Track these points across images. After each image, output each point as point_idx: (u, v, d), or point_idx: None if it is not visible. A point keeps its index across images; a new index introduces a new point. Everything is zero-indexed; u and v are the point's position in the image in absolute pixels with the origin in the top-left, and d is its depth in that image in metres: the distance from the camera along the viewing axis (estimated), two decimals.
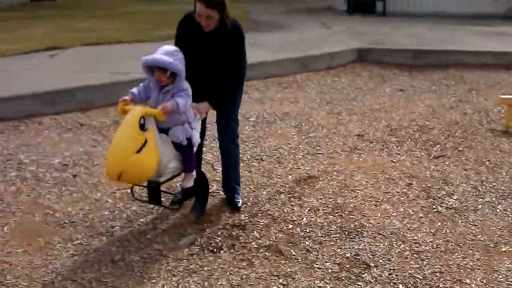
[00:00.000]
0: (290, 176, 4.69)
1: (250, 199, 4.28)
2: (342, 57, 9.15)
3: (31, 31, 11.84)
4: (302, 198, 4.29)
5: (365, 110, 6.63)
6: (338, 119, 6.28)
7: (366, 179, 4.64)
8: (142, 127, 3.33)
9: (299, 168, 4.87)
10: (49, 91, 6.61)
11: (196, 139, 3.73)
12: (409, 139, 5.64)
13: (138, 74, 7.00)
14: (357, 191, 4.42)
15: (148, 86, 3.62)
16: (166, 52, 3.51)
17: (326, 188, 4.47)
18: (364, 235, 3.75)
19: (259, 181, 4.60)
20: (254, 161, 5.04)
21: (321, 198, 4.28)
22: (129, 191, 4.17)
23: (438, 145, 5.47)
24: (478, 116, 6.37)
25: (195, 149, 3.75)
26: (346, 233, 3.77)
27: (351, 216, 4.01)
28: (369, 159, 5.10)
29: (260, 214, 4.04)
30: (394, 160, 5.09)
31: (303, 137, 5.66)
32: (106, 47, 9.73)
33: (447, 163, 5.01)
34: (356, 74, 8.56)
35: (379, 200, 4.26)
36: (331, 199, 4.26)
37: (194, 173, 3.78)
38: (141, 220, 4.00)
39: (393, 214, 4.06)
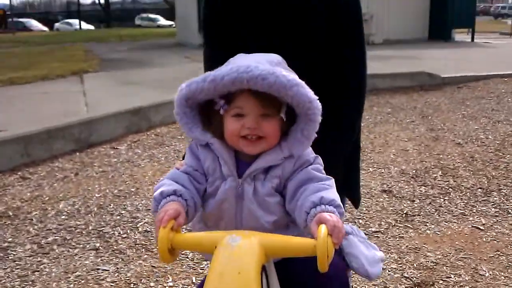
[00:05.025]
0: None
1: None
2: None
3: None
4: None
5: None
6: None
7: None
8: None
9: (384, 269, 2.62)
10: None
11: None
12: (450, 188, 3.74)
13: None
14: None
15: (197, 171, 1.20)
16: (271, 61, 1.15)
17: None
18: None
19: None
20: None
21: None
22: None
23: (494, 193, 3.65)
24: (478, 146, 4.72)
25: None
26: None
27: None
28: (451, 232, 3.06)
29: None
30: (481, 227, 3.11)
31: None
32: None
33: None
34: None
35: None
36: None
37: None
38: None
39: None
